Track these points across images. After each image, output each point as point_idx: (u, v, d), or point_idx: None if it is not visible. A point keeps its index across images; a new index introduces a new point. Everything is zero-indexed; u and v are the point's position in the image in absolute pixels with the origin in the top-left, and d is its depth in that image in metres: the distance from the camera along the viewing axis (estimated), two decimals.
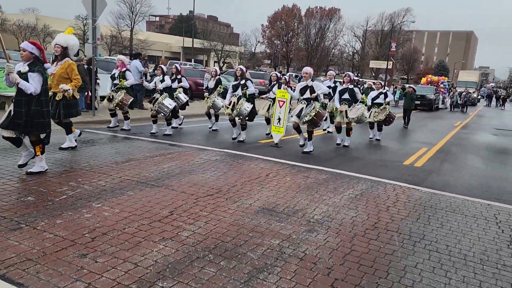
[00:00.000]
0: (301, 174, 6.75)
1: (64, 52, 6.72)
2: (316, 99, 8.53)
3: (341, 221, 4.67)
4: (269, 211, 4.82)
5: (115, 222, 4.09)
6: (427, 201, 5.79)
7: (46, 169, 5.66)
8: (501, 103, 43.10)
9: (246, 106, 9.28)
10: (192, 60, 52.94)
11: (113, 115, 9.98)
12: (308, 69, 8.92)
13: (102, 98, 11.63)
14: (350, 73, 10.61)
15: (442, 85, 34.57)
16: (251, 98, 9.55)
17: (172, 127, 10.21)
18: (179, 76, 10.60)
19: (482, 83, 78.76)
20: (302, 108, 8.64)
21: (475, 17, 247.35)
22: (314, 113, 8.25)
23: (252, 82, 9.91)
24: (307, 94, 8.63)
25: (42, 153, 5.58)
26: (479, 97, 49.51)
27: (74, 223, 3.99)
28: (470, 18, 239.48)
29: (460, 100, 31.09)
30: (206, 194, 5.27)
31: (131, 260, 3.35)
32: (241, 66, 10.03)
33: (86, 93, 12.43)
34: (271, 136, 9.62)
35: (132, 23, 64.95)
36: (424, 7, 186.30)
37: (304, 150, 8.72)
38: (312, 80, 8.73)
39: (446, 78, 44.75)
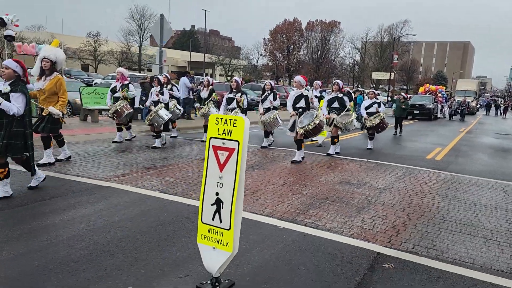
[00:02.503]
0: (353, 163, 8.95)
1: (52, 67, 6.50)
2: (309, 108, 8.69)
3: (398, 188, 6.86)
4: (347, 183, 7.01)
5: (256, 186, 6.29)
6: (452, 179, 7.97)
7: (11, 194, 5.10)
8: (501, 112, 44.61)
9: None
10: (204, 74, 55.30)
11: (128, 128, 9.94)
12: (298, 78, 8.76)
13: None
14: (339, 81, 10.29)
15: (440, 94, 35.13)
16: (245, 111, 9.53)
17: (171, 136, 10.81)
18: (169, 86, 10.50)
19: (480, 92, 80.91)
20: (295, 120, 8.60)
21: (471, 27, 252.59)
22: (318, 121, 8.35)
23: (247, 95, 9.78)
24: (302, 103, 8.64)
25: (6, 177, 5.01)
26: (478, 106, 51.30)
27: None
28: (467, 28, 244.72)
29: (458, 109, 32.15)
30: (297, 173, 7.48)
31: (285, 202, 5.54)
32: (236, 78, 9.70)
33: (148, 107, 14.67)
34: (266, 146, 10.34)
35: (141, 39, 66.90)
36: (421, 18, 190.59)
37: (294, 159, 8.63)
38: (307, 90, 8.90)
39: (444, 87, 46.18)
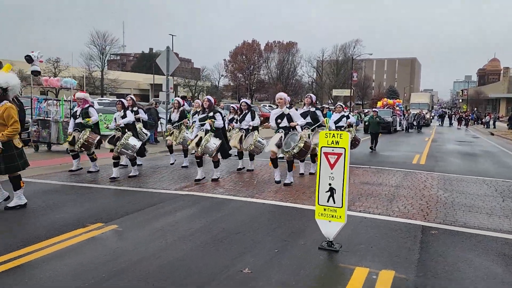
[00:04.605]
0: (360, 169, 10.60)
1: (3, 94, 5.85)
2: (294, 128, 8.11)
3: (408, 185, 8.53)
4: (366, 183, 8.61)
5: (303, 190, 7.73)
6: (443, 177, 9.78)
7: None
8: (453, 122, 47.98)
9: (213, 142, 8.25)
10: (179, 97, 55.87)
11: (75, 156, 9.27)
12: (283, 95, 8.28)
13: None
14: (312, 95, 9.86)
15: (398, 108, 36.58)
16: (220, 133, 8.58)
17: (138, 165, 9.49)
18: (135, 108, 10.08)
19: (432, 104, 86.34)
20: (281, 136, 8.00)
21: (416, 44, 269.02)
22: (302, 144, 7.77)
23: (221, 114, 8.75)
24: (285, 123, 8.07)
25: None
26: (432, 117, 55.12)
27: (282, 188, 7.62)
28: (412, 46, 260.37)
29: (415, 121, 33.89)
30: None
31: None
32: (209, 97, 8.87)
33: (154, 130, 15.81)
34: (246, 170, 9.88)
35: (102, 64, 66.88)
36: (371, 37, 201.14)
37: (285, 182, 8.13)
38: (289, 108, 8.34)
39: (401, 100, 49.27)
